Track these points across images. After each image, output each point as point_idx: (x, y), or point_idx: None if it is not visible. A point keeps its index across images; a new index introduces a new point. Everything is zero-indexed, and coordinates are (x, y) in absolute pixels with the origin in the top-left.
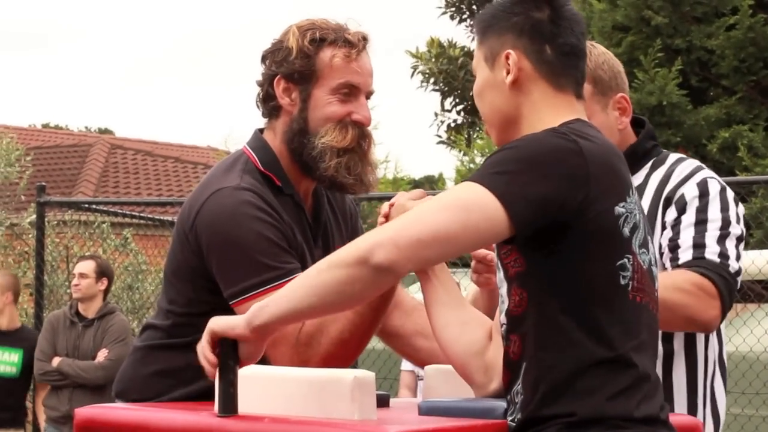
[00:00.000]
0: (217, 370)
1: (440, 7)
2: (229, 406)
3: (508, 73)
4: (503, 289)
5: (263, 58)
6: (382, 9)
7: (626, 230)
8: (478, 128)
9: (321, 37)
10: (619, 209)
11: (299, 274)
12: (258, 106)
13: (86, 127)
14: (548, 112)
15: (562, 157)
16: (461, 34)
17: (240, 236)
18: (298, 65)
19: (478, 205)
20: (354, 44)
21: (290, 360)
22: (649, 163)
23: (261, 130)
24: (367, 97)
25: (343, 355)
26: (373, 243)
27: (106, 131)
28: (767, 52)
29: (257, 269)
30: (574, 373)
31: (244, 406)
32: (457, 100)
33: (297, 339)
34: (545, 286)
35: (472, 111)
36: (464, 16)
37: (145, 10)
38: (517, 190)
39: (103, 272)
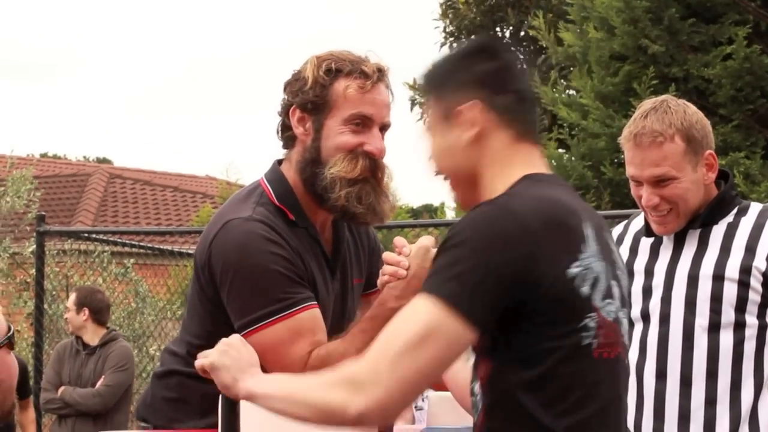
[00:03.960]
0: (220, 397)
1: (438, 41)
2: None
3: (472, 125)
4: (471, 361)
5: (284, 88)
6: (382, 40)
7: (585, 289)
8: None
9: (337, 68)
10: (572, 270)
11: (309, 304)
12: (278, 136)
13: (84, 157)
14: (504, 168)
15: (504, 242)
16: None
17: (248, 268)
18: (312, 95)
19: (446, 335)
20: (369, 76)
21: None
22: (735, 209)
23: (280, 162)
24: (383, 130)
25: None
26: (353, 394)
27: (105, 161)
28: (764, 81)
29: (265, 301)
30: None
31: None
32: None
33: (303, 372)
34: (508, 359)
35: None
36: None
37: (143, 41)
38: (474, 296)
39: (82, 303)
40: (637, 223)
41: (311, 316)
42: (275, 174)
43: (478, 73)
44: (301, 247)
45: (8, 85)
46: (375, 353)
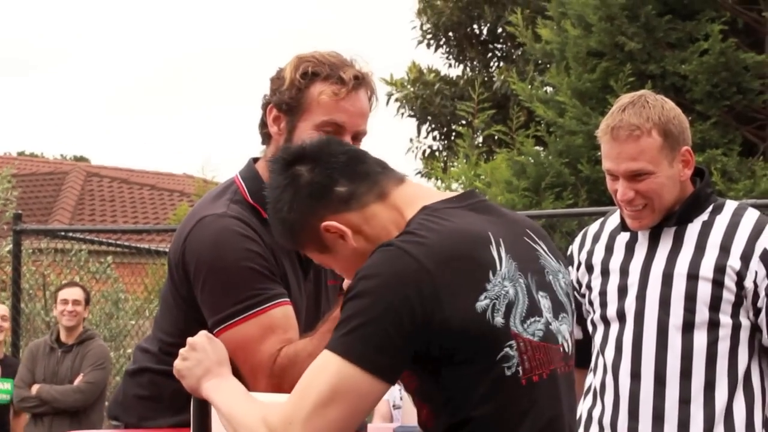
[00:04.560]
0: (192, 397)
1: (416, 38)
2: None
3: (344, 232)
4: (412, 402)
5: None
6: (361, 36)
7: (499, 319)
8: (454, 155)
9: (314, 71)
10: (481, 304)
11: (282, 301)
12: (258, 131)
13: (62, 155)
14: (396, 222)
15: (401, 289)
16: (438, 61)
17: (221, 264)
18: (287, 96)
19: (353, 390)
20: (345, 82)
21: (264, 388)
22: (710, 207)
23: (255, 159)
24: (357, 138)
25: None
26: None
27: (82, 159)
28: (740, 77)
29: (237, 297)
30: None
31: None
32: (433, 126)
33: (271, 371)
34: (438, 401)
35: (447, 136)
36: (441, 43)
37: (120, 39)
38: (374, 350)
39: (87, 299)
40: (613, 220)
41: (283, 313)
42: (250, 172)
43: (304, 198)
44: (275, 245)
45: None
46: (289, 409)
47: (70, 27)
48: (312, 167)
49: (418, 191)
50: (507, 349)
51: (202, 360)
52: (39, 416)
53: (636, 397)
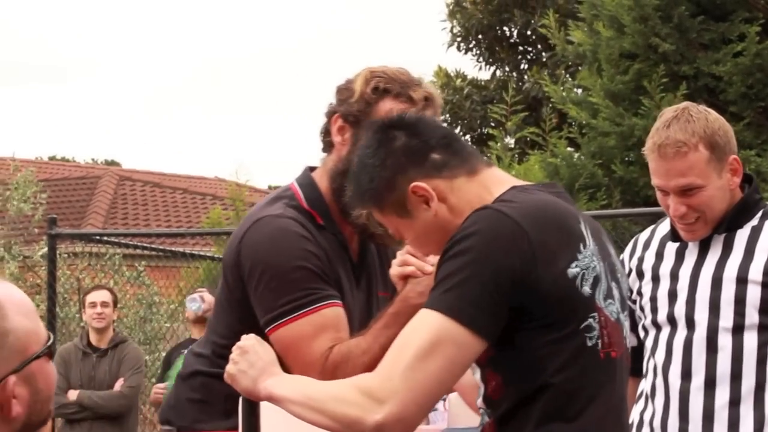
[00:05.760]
0: (240, 400)
1: (446, 42)
2: None
3: (430, 197)
4: (478, 375)
5: (335, 92)
6: (390, 39)
7: (587, 288)
8: (486, 157)
9: (385, 88)
10: (572, 270)
11: (334, 302)
12: (320, 138)
13: (93, 159)
14: (482, 199)
15: (500, 247)
16: (468, 64)
17: (278, 263)
18: (356, 108)
19: (453, 343)
20: (415, 102)
21: None
22: (760, 213)
23: (312, 168)
24: None
25: None
26: (370, 407)
27: (113, 163)
28: None
29: (291, 296)
30: None
31: None
32: (464, 130)
33: (323, 367)
34: (514, 368)
35: (478, 141)
36: (471, 45)
37: (152, 43)
38: (474, 306)
39: (115, 301)
40: (664, 227)
41: (335, 313)
42: (306, 179)
43: (398, 156)
44: (330, 251)
45: (18, 89)
46: (387, 367)
47: (102, 32)
48: (410, 134)
49: (506, 176)
50: (590, 320)
51: (255, 362)
52: (76, 420)
53: (686, 398)
